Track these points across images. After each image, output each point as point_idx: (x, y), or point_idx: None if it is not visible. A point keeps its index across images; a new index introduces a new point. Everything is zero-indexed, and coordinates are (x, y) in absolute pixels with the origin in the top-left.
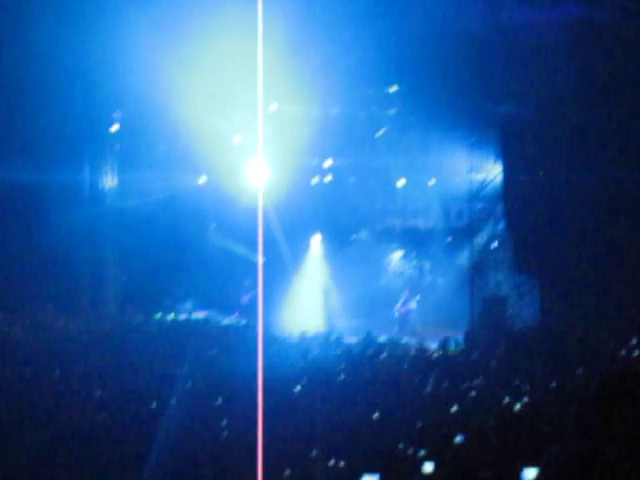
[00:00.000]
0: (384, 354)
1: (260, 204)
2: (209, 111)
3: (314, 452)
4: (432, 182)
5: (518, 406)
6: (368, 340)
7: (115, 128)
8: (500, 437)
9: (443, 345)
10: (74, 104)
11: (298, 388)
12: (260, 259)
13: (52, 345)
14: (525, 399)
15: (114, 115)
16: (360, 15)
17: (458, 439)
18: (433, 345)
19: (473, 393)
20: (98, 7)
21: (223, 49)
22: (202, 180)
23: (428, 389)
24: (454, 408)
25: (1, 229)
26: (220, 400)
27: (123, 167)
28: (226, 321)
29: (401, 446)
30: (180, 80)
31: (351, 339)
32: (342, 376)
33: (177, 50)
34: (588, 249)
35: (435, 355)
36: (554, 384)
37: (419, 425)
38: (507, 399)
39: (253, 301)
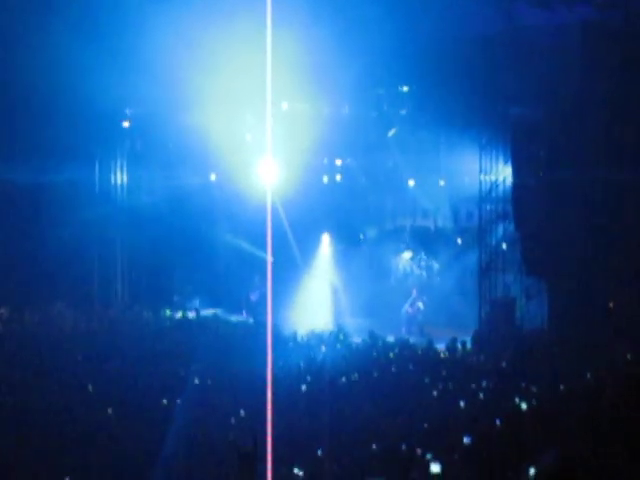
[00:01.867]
0: (391, 354)
1: (269, 202)
2: (219, 110)
3: (320, 452)
4: (442, 183)
5: (524, 406)
6: (372, 340)
7: (125, 125)
8: (507, 438)
9: (450, 346)
10: (84, 102)
11: (305, 387)
12: (269, 257)
13: (61, 342)
14: (533, 401)
15: (124, 113)
16: (372, 15)
17: (466, 440)
18: (440, 346)
19: (481, 395)
20: (111, 7)
21: (233, 48)
22: (212, 178)
23: (435, 391)
24: (462, 409)
25: (12, 228)
26: (228, 398)
27: (133, 165)
28: (234, 319)
29: (406, 447)
30: (191, 79)
31: (358, 338)
32: (348, 376)
33: (188, 49)
34: (597, 251)
35: (442, 356)
36: (562, 387)
37: (426, 426)
38: (515, 401)
39: (261, 299)
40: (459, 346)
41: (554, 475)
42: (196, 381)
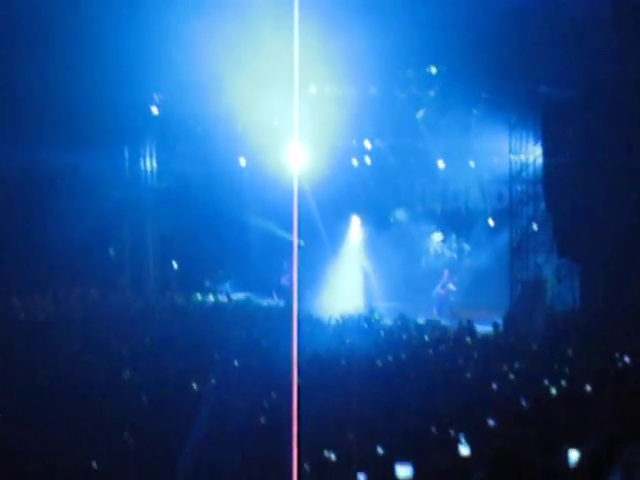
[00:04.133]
0: (426, 337)
1: (296, 185)
2: (248, 94)
3: (351, 435)
4: (472, 164)
5: (554, 391)
6: (403, 322)
7: (154, 110)
8: (539, 420)
9: (467, 327)
10: (113, 87)
11: (337, 371)
12: (296, 241)
13: (93, 327)
14: (563, 382)
15: (153, 98)
16: None
17: (492, 423)
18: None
19: (512, 376)
20: None
21: (261, 31)
22: (241, 163)
23: (468, 373)
24: (493, 391)
25: (42, 211)
26: (260, 381)
27: (162, 150)
28: (265, 303)
29: (436, 429)
30: (218, 62)
31: (390, 321)
32: (381, 359)
33: (215, 33)
34: (629, 233)
35: (469, 340)
36: (594, 368)
37: (457, 408)
38: (546, 382)
39: (292, 282)
40: (486, 328)
41: (601, 457)
42: (227, 365)
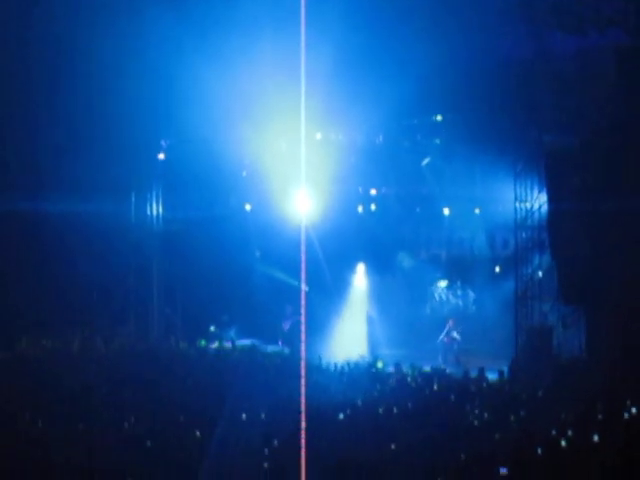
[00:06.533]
0: (436, 386)
1: (303, 232)
2: (253, 140)
3: None
4: (477, 211)
5: (563, 443)
6: (398, 371)
7: (161, 157)
8: (546, 469)
9: (479, 377)
10: (121, 132)
11: (341, 417)
12: (303, 287)
13: (96, 373)
14: (569, 432)
15: (160, 143)
16: (404, 45)
17: (502, 471)
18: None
19: (517, 425)
20: (148, 42)
21: (269, 78)
22: (247, 208)
23: (475, 421)
24: (499, 440)
25: (48, 257)
26: (263, 428)
27: (168, 196)
28: (270, 349)
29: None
30: (225, 109)
31: (393, 369)
32: (387, 407)
33: (223, 80)
34: (635, 280)
35: (474, 388)
36: (600, 417)
37: (463, 457)
38: (553, 431)
39: (294, 328)
40: (492, 376)
41: None
42: (232, 412)
